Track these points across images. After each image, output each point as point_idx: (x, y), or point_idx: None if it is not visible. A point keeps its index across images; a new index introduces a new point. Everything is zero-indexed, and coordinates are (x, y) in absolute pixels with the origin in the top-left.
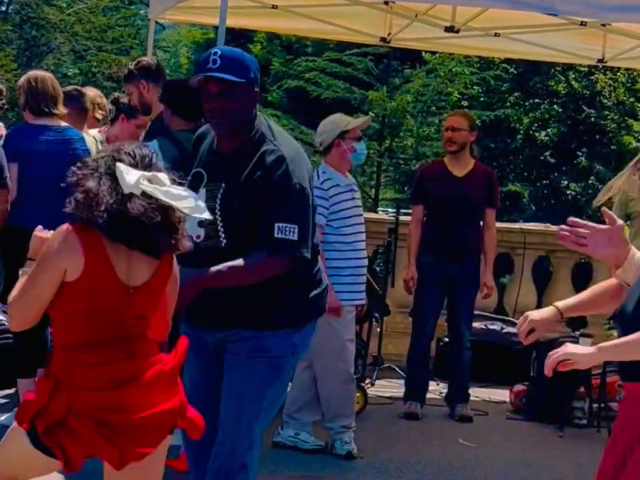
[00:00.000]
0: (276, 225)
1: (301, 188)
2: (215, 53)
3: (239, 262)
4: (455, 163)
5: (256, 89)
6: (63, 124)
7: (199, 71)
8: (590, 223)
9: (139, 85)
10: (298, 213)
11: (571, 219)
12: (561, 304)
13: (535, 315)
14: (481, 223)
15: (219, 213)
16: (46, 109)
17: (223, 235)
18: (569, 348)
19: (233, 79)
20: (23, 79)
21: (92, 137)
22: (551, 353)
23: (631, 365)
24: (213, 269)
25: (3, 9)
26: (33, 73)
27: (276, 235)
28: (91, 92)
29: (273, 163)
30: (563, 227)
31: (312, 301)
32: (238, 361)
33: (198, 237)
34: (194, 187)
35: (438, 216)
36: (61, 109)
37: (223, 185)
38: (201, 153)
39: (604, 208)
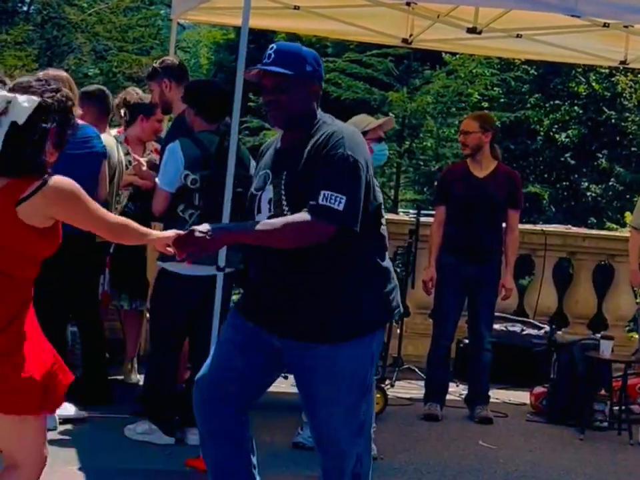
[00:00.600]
0: (322, 191)
1: (354, 160)
2: (271, 48)
3: (277, 219)
4: (475, 164)
5: (315, 83)
6: (79, 122)
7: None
8: None
9: (161, 84)
10: (348, 184)
11: None
12: None
13: None
14: (504, 225)
15: (284, 198)
16: None
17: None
18: None
19: (284, 72)
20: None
21: (112, 136)
22: None
23: None
24: (247, 222)
25: (25, 9)
26: (52, 73)
27: (320, 202)
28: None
29: (327, 137)
30: None
31: (385, 300)
32: (319, 385)
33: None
34: (262, 189)
35: (459, 217)
36: (77, 110)
37: (285, 172)
38: (265, 159)
39: None
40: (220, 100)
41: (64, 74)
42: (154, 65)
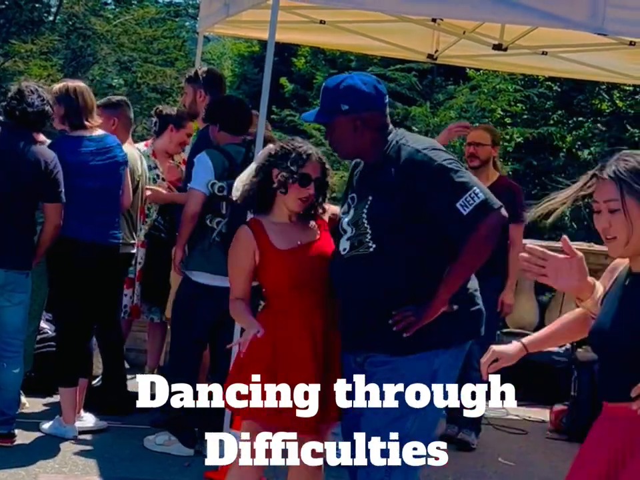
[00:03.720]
0: (457, 205)
1: (450, 161)
2: (322, 90)
3: (455, 265)
4: (479, 176)
5: (361, 116)
6: (99, 132)
7: None
8: (548, 252)
9: (197, 92)
10: (465, 178)
11: (528, 246)
12: (526, 340)
13: (499, 347)
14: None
15: (366, 222)
16: (86, 122)
17: (370, 242)
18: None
19: (322, 121)
20: (59, 88)
21: (136, 149)
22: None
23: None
24: (441, 288)
25: (50, 19)
26: (71, 85)
27: (465, 213)
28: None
29: (410, 158)
30: (523, 254)
31: (461, 320)
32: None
33: (344, 249)
34: (347, 213)
35: None
36: (96, 120)
37: (370, 197)
38: (354, 178)
39: (564, 237)
40: (241, 112)
41: (84, 86)
42: (197, 70)
